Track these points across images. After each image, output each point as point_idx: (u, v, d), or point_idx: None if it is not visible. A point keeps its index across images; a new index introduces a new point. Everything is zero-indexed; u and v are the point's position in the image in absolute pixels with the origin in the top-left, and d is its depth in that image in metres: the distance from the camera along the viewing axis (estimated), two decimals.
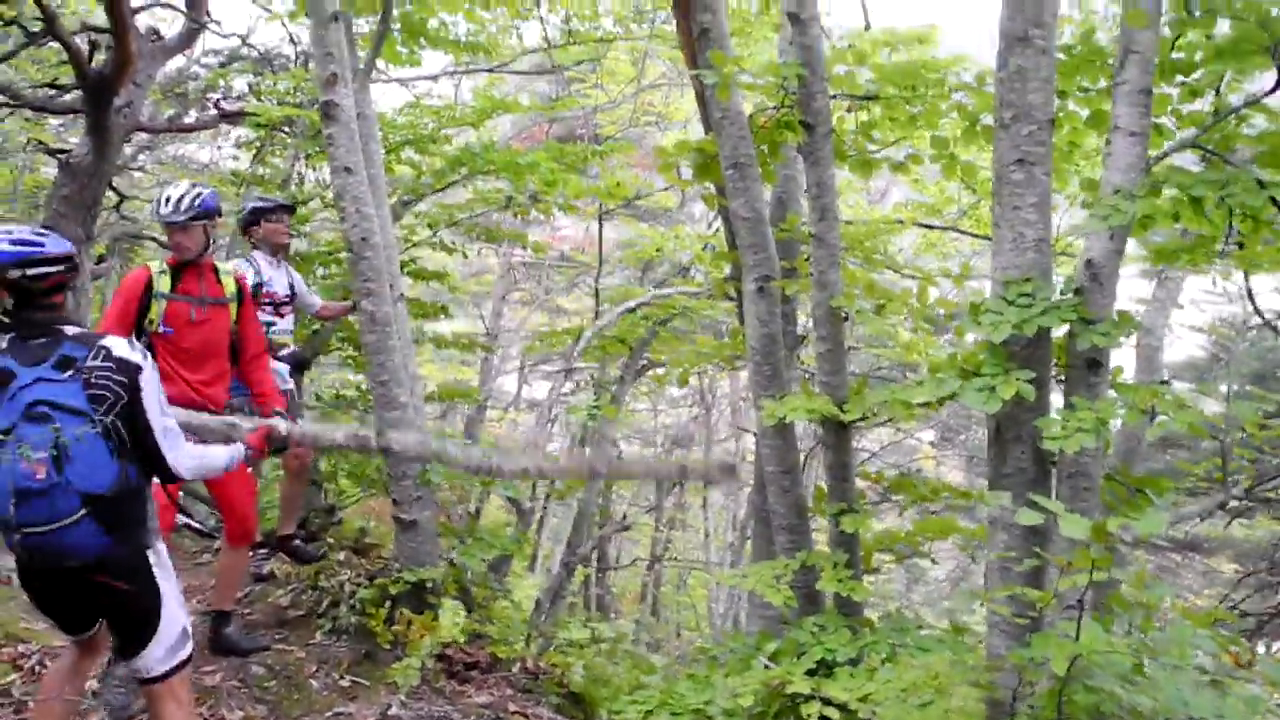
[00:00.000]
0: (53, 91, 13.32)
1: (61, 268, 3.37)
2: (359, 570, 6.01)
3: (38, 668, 4.69)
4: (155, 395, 3.32)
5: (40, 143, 15.52)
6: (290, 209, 6.39)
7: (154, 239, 16.40)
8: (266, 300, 6.00)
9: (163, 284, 4.84)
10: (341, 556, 6.19)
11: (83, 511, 3.12)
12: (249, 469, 4.99)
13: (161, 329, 4.83)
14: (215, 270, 5.01)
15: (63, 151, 13.86)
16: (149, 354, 3.42)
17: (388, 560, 6.03)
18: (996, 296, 4.06)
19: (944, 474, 22.33)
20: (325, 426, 3.83)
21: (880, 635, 4.77)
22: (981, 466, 20.42)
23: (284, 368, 6.00)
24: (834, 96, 4.86)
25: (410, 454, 3.71)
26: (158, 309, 4.83)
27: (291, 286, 6.27)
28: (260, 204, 6.28)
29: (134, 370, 3.27)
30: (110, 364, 3.24)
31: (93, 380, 3.20)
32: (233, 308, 5.00)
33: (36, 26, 11.20)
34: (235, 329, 5.01)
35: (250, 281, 5.80)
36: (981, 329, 3.93)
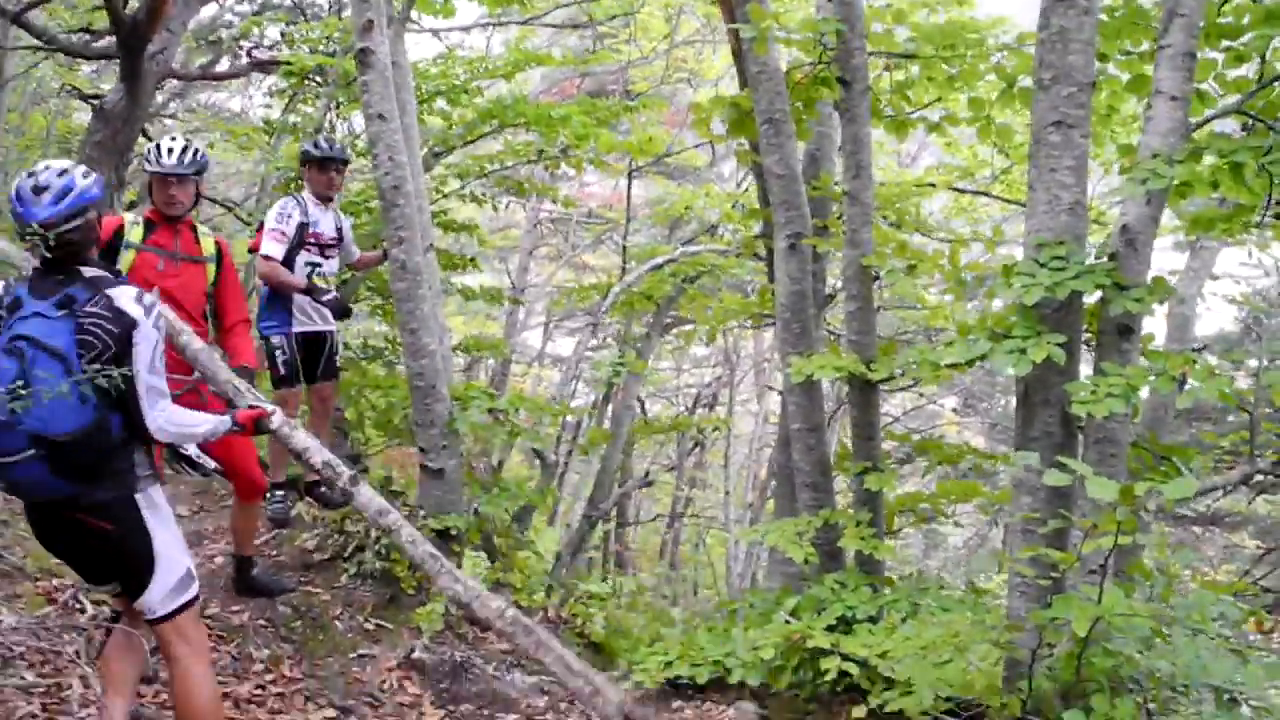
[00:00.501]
0: (87, 37, 13.37)
1: (90, 215, 3.38)
2: None
3: (71, 602, 4.78)
4: (149, 352, 3.29)
5: (74, 88, 15.59)
6: (342, 161, 6.19)
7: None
8: (312, 241, 5.95)
9: (134, 234, 4.69)
10: None
11: (31, 452, 3.14)
12: None
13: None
14: (194, 229, 4.82)
15: (96, 97, 13.94)
16: (158, 312, 3.39)
17: (413, 507, 6.09)
18: (1029, 259, 4.04)
19: (966, 439, 22.29)
20: (309, 440, 3.79)
21: (901, 593, 4.80)
22: (1004, 434, 20.36)
23: (326, 312, 5.96)
24: (872, 54, 4.82)
25: (368, 513, 3.70)
26: (126, 259, 4.67)
27: (340, 229, 6.19)
28: (308, 150, 6.15)
29: (129, 324, 3.25)
30: (108, 312, 3.24)
31: (85, 325, 3.21)
32: (210, 269, 4.81)
33: None
34: (213, 293, 4.84)
35: (296, 220, 5.78)
36: (1013, 291, 3.91)
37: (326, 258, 6.04)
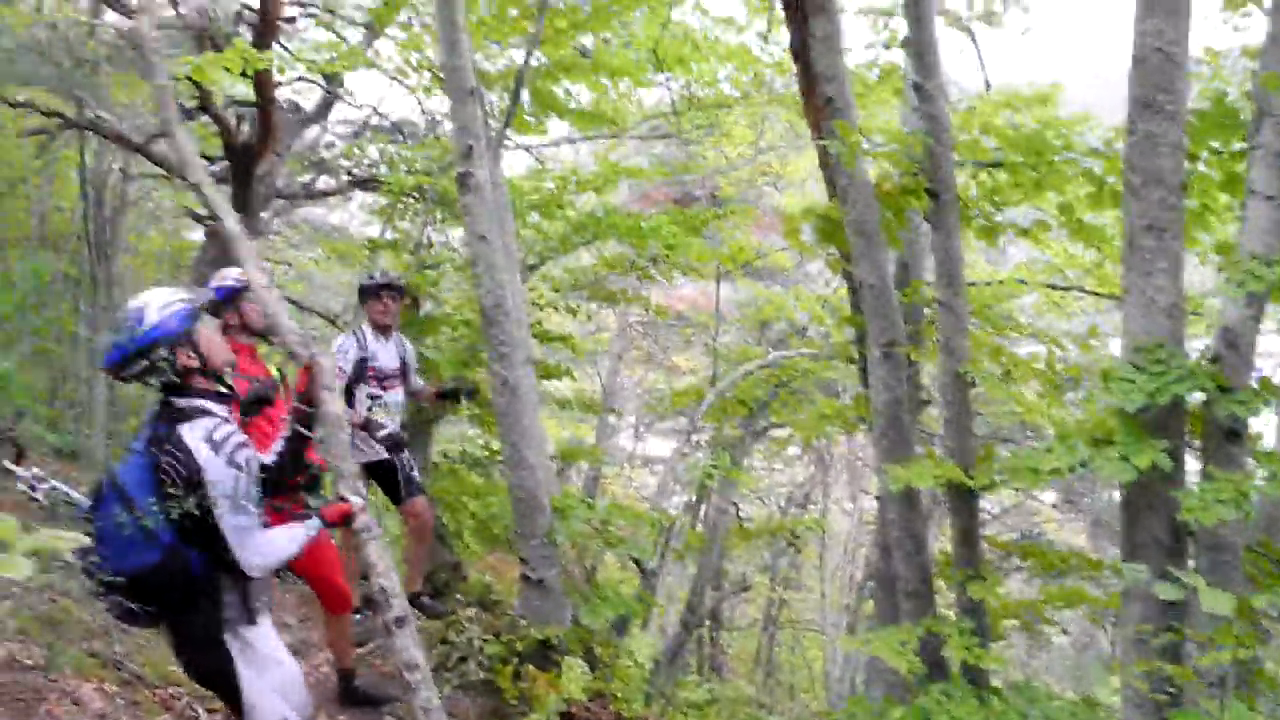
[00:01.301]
0: (204, 163, 14.14)
1: (162, 349, 3.36)
2: (486, 626, 6.15)
3: (188, 711, 4.91)
4: (227, 490, 3.23)
5: (187, 209, 16.43)
6: (395, 289, 6.41)
7: (290, 300, 17.18)
8: (371, 374, 6.16)
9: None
10: (469, 613, 6.33)
11: (120, 582, 3.21)
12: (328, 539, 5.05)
13: None
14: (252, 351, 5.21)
15: (209, 218, 14.64)
16: (233, 449, 3.30)
17: (513, 616, 6.15)
18: (1128, 363, 4.02)
19: (1067, 538, 21.66)
20: (378, 558, 3.76)
21: (1010, 705, 4.68)
22: (1108, 531, 19.73)
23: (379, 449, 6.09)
24: (959, 163, 4.89)
25: (398, 658, 3.64)
26: None
27: (403, 359, 6.37)
28: (365, 282, 6.41)
29: (194, 465, 3.21)
30: (179, 451, 3.23)
31: (161, 463, 3.22)
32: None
33: (192, 103, 11.96)
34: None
35: (353, 356, 6.04)
36: (1113, 397, 3.89)
37: (387, 389, 6.22)
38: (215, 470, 3.21)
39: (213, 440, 3.25)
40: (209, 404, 3.41)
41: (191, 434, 3.26)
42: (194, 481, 3.20)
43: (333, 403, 3.86)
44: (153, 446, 3.28)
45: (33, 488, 8.54)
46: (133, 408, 17.36)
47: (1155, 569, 3.90)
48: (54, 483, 8.73)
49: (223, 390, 3.53)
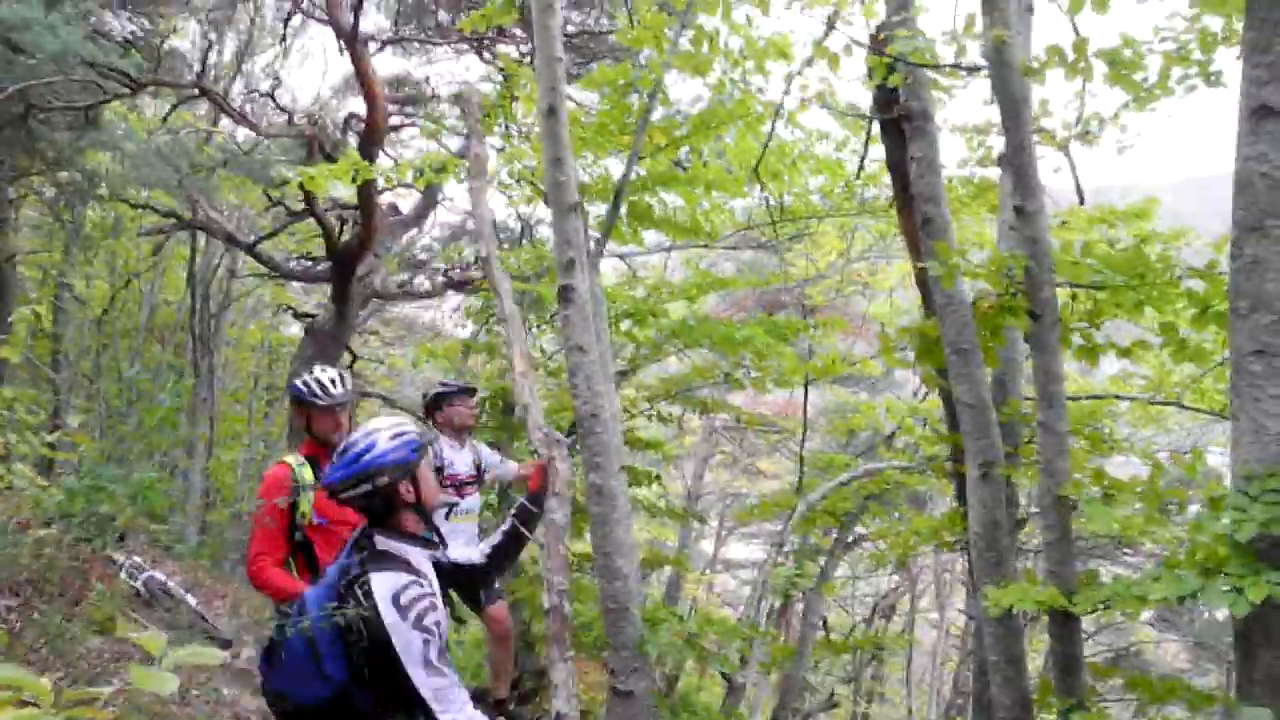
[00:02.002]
0: (306, 263, 14.71)
1: (384, 479, 3.34)
2: None
3: None
4: (417, 654, 3.10)
5: (288, 306, 17.07)
6: (472, 391, 6.65)
7: (383, 397, 17.59)
8: (448, 483, 6.28)
9: (305, 475, 4.73)
10: None
11: (288, 708, 3.24)
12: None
13: (315, 520, 4.71)
14: None
15: (308, 315, 15.19)
16: (423, 609, 3.17)
17: None
18: (1239, 492, 3.93)
19: (1164, 655, 20.85)
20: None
21: None
22: (1210, 652, 18.92)
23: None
24: (1058, 285, 4.90)
25: None
26: (307, 501, 4.70)
27: (478, 466, 6.51)
28: (443, 389, 6.61)
29: (380, 629, 3.11)
30: (366, 600, 3.16)
31: (346, 608, 3.16)
32: None
33: (298, 206, 12.52)
34: None
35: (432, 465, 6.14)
36: (1223, 526, 3.80)
37: (462, 495, 6.32)
38: (401, 635, 3.09)
39: (399, 604, 3.12)
40: (409, 550, 3.36)
41: (380, 587, 3.15)
42: (380, 641, 3.12)
43: (560, 510, 3.96)
44: (343, 581, 3.25)
45: (133, 576, 8.78)
46: (227, 498, 17.82)
47: (1275, 709, 3.76)
48: (152, 572, 8.95)
49: (428, 538, 3.50)
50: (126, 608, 7.88)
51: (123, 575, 8.57)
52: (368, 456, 3.34)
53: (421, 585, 3.20)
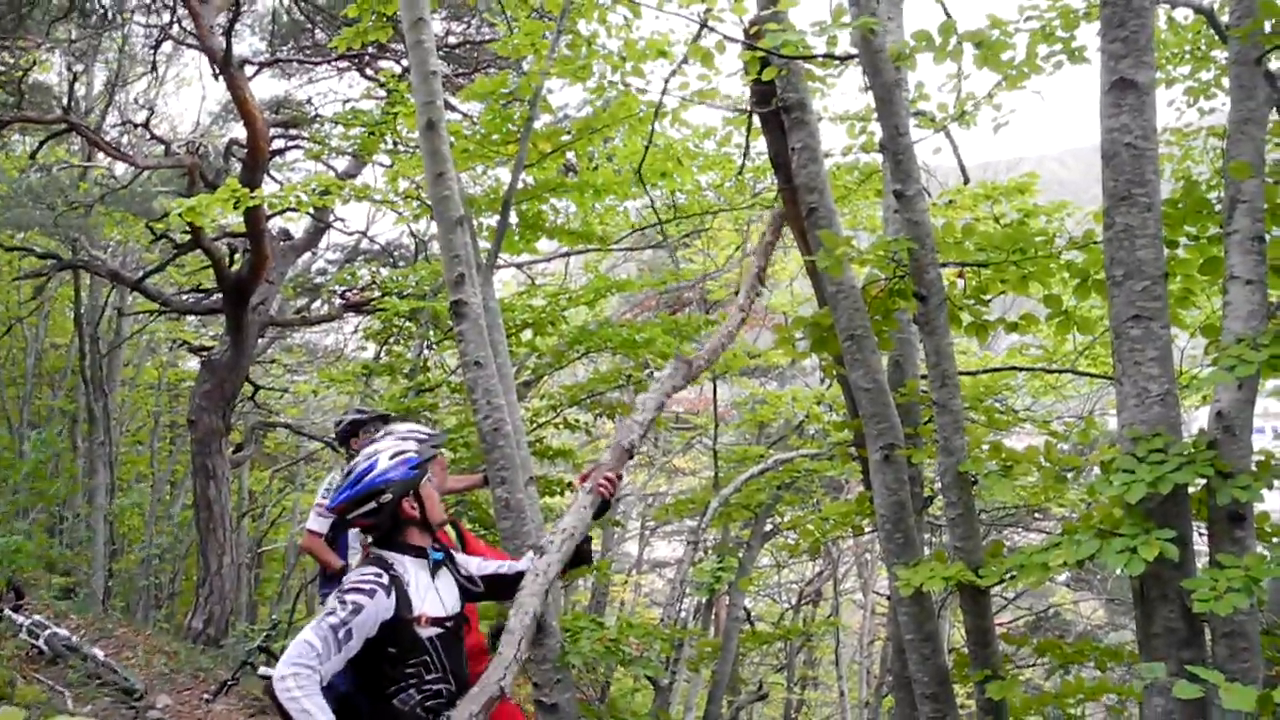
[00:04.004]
0: (196, 295, 14.34)
1: (386, 496, 3.54)
2: None
3: None
4: (322, 614, 3.32)
5: (183, 341, 16.62)
6: (386, 418, 6.56)
7: (289, 426, 17.22)
8: None
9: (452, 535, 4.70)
10: None
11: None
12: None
13: None
14: None
15: (203, 348, 14.82)
16: (357, 581, 3.39)
17: None
18: (1127, 454, 4.03)
19: (1082, 612, 21.44)
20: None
21: None
22: (1124, 606, 19.48)
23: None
24: (944, 265, 4.98)
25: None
26: None
27: None
28: (359, 415, 6.51)
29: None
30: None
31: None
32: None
33: (184, 239, 12.19)
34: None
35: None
36: (1115, 489, 3.90)
37: None
38: (329, 604, 3.33)
39: (343, 583, 3.40)
40: (399, 557, 3.53)
41: (347, 579, 3.42)
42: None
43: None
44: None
45: (34, 635, 8.46)
46: (134, 542, 17.27)
47: (1173, 661, 3.87)
48: (54, 629, 8.63)
49: (428, 548, 3.66)
50: (28, 669, 7.58)
51: (23, 635, 8.26)
52: (370, 476, 3.53)
53: (375, 575, 3.39)
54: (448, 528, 4.71)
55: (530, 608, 3.72)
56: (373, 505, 3.51)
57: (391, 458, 3.60)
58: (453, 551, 3.98)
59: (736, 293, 7.45)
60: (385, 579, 3.40)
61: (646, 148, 6.50)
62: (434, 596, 3.56)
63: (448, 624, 3.57)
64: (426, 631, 3.46)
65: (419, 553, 3.61)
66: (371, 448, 3.69)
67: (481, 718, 3.43)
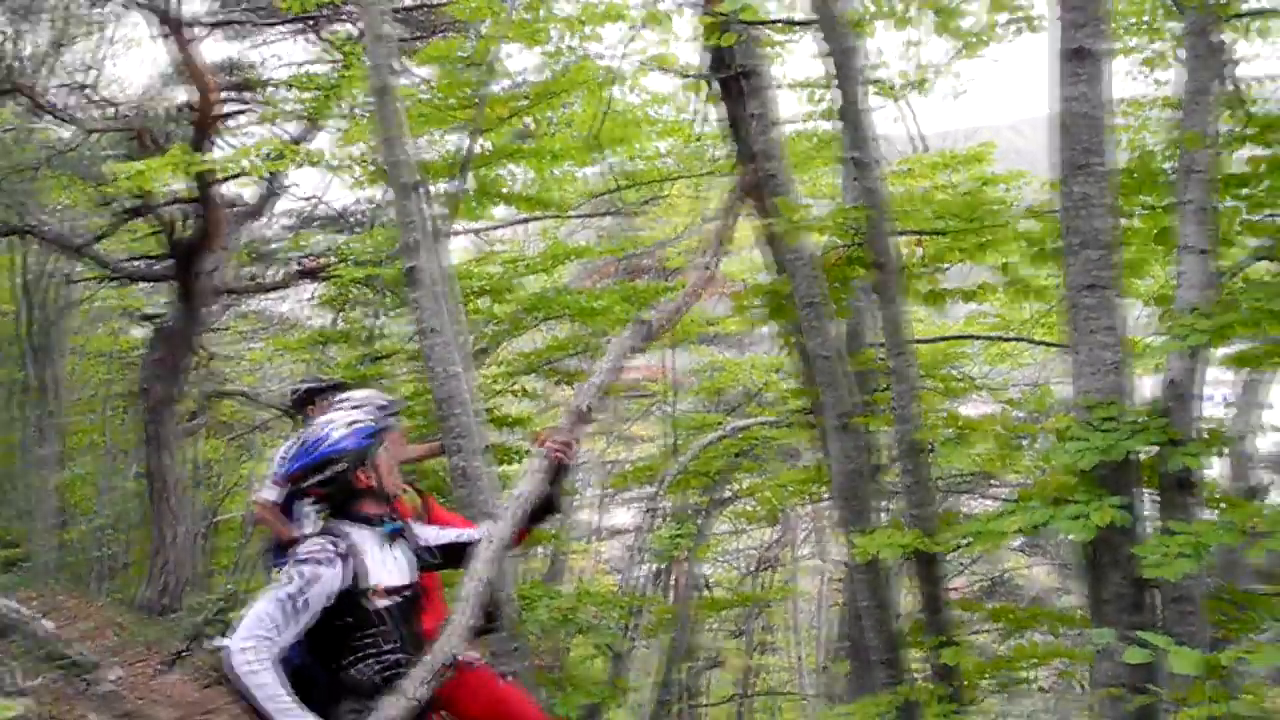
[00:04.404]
0: (145, 262, 14.02)
1: (341, 465, 3.45)
2: None
3: None
4: (275, 586, 3.24)
5: (134, 309, 16.29)
6: (342, 386, 6.43)
7: (243, 394, 16.97)
8: None
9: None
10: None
11: None
12: None
13: None
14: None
15: (153, 316, 14.55)
16: (309, 552, 3.27)
17: None
18: (1080, 422, 4.07)
19: (1035, 576, 21.75)
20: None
21: None
22: (1076, 569, 19.80)
23: None
24: (901, 234, 4.98)
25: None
26: None
27: None
28: (314, 383, 6.37)
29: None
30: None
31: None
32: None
33: (132, 204, 11.90)
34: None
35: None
36: (1068, 457, 3.93)
37: None
38: (283, 574, 3.25)
39: (296, 553, 3.31)
40: (353, 529, 3.45)
41: (300, 549, 3.33)
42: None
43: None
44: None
45: None
46: (84, 512, 17.03)
47: (1122, 625, 3.92)
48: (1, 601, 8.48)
49: (382, 517, 3.55)
50: None
51: None
52: (324, 445, 3.45)
53: (327, 546, 3.31)
54: (410, 496, 4.55)
55: (482, 574, 3.67)
56: (326, 474, 3.44)
57: (346, 426, 3.51)
58: (409, 522, 3.92)
59: (700, 255, 7.41)
60: (340, 548, 3.33)
61: (604, 114, 6.43)
62: (389, 566, 3.48)
63: (404, 593, 3.49)
64: (382, 602, 3.38)
65: (373, 523, 3.52)
66: (325, 416, 3.60)
67: (432, 684, 3.39)
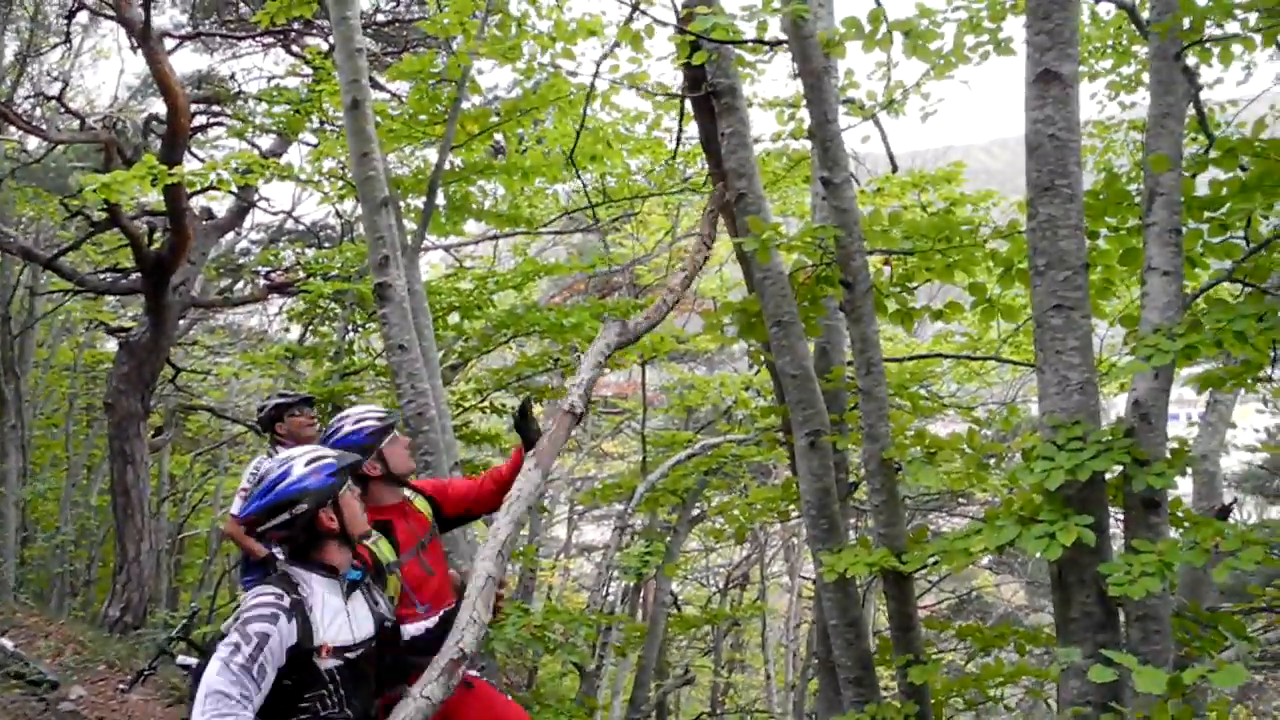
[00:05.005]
0: (114, 275, 13.92)
1: (302, 506, 3.18)
2: None
3: None
4: (222, 650, 2.93)
5: (101, 322, 16.14)
6: (311, 401, 6.37)
7: (209, 409, 16.85)
8: None
9: (386, 550, 3.96)
10: None
11: None
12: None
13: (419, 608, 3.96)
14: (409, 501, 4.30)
15: (122, 330, 14.41)
16: (256, 605, 3.01)
17: None
18: (1047, 441, 4.10)
19: (1004, 595, 21.88)
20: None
21: None
22: (1044, 588, 19.93)
23: None
24: (871, 253, 5.00)
25: None
26: (393, 584, 3.94)
27: None
28: (284, 399, 6.30)
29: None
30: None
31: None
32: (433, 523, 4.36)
33: (101, 216, 11.79)
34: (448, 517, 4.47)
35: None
36: (1035, 477, 3.95)
37: None
38: (228, 635, 2.97)
39: (245, 605, 3.03)
40: (307, 575, 3.19)
41: (246, 599, 3.05)
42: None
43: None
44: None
45: None
46: (47, 529, 16.82)
47: (1089, 644, 3.94)
48: None
49: (344, 566, 3.29)
50: None
51: None
52: (284, 484, 3.17)
53: (276, 598, 3.05)
54: (382, 546, 4.04)
55: (485, 572, 3.64)
56: (286, 516, 3.16)
57: (308, 464, 3.22)
58: (372, 568, 3.60)
59: (681, 263, 7.43)
60: (286, 602, 3.06)
61: (579, 132, 6.43)
62: (342, 622, 3.21)
63: (351, 654, 3.20)
64: (327, 663, 3.10)
65: (331, 572, 3.25)
66: (287, 452, 3.33)
67: (445, 681, 3.26)
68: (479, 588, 3.55)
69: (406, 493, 4.27)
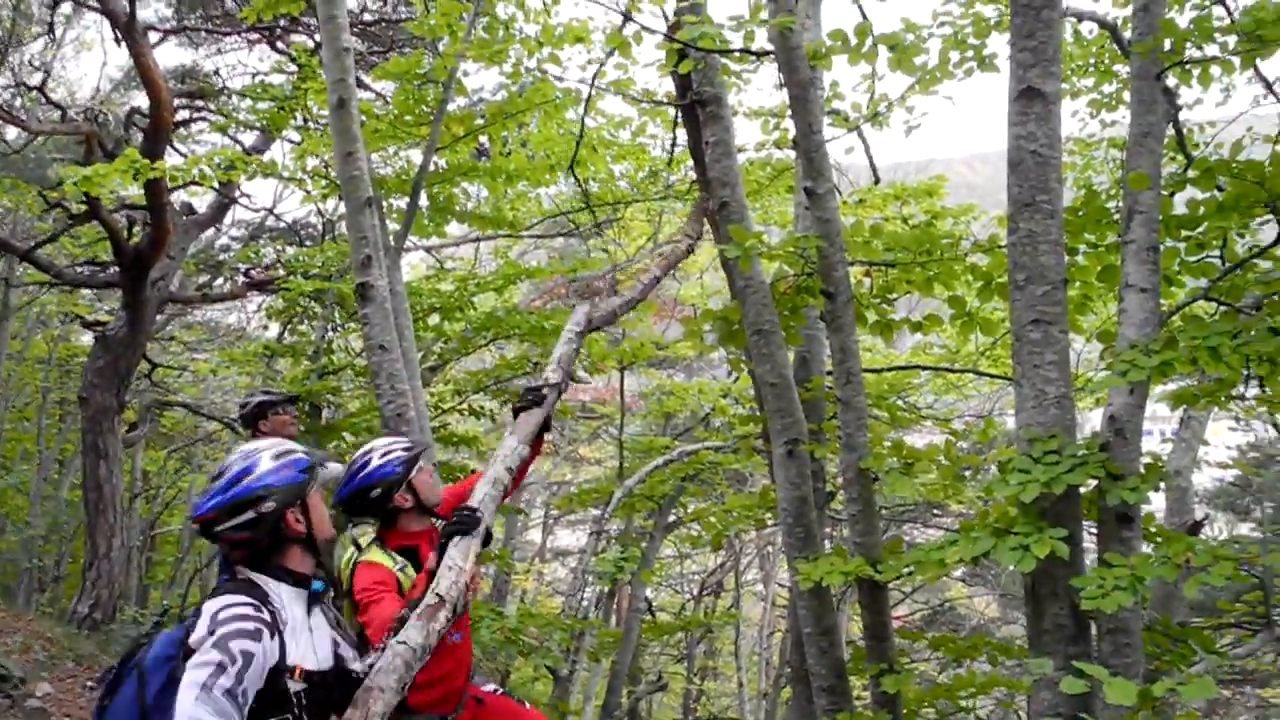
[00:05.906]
0: (91, 268, 13.83)
1: (268, 505, 2.80)
2: None
3: None
4: (198, 672, 2.53)
5: (77, 315, 16.02)
6: (294, 399, 6.34)
7: (188, 406, 16.74)
8: None
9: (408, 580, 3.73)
10: None
11: None
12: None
13: (451, 638, 3.63)
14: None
15: (97, 323, 14.31)
16: (234, 635, 2.58)
17: None
18: (1023, 454, 4.13)
19: (977, 606, 21.97)
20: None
21: None
22: (1016, 600, 20.04)
23: None
24: (852, 264, 5.03)
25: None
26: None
27: None
28: (266, 398, 6.24)
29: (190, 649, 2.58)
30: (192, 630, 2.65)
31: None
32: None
33: (80, 209, 11.71)
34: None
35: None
36: (1010, 489, 3.99)
37: None
38: (197, 651, 2.56)
39: (215, 618, 2.61)
40: (274, 584, 2.82)
41: (210, 606, 2.66)
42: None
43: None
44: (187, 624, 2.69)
45: None
46: (16, 522, 16.67)
47: (1061, 656, 3.97)
48: None
49: (309, 576, 2.91)
50: None
51: None
52: (248, 479, 2.82)
53: (255, 610, 2.67)
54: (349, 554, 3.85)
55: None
56: (249, 515, 2.79)
57: (275, 457, 2.88)
58: (334, 584, 3.25)
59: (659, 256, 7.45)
60: (266, 615, 2.69)
61: (578, 142, 6.45)
62: (308, 640, 2.84)
63: (317, 678, 2.81)
64: (295, 685, 2.72)
65: (298, 580, 2.87)
66: (250, 445, 2.96)
67: (424, 625, 2.99)
68: (457, 544, 3.39)
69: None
